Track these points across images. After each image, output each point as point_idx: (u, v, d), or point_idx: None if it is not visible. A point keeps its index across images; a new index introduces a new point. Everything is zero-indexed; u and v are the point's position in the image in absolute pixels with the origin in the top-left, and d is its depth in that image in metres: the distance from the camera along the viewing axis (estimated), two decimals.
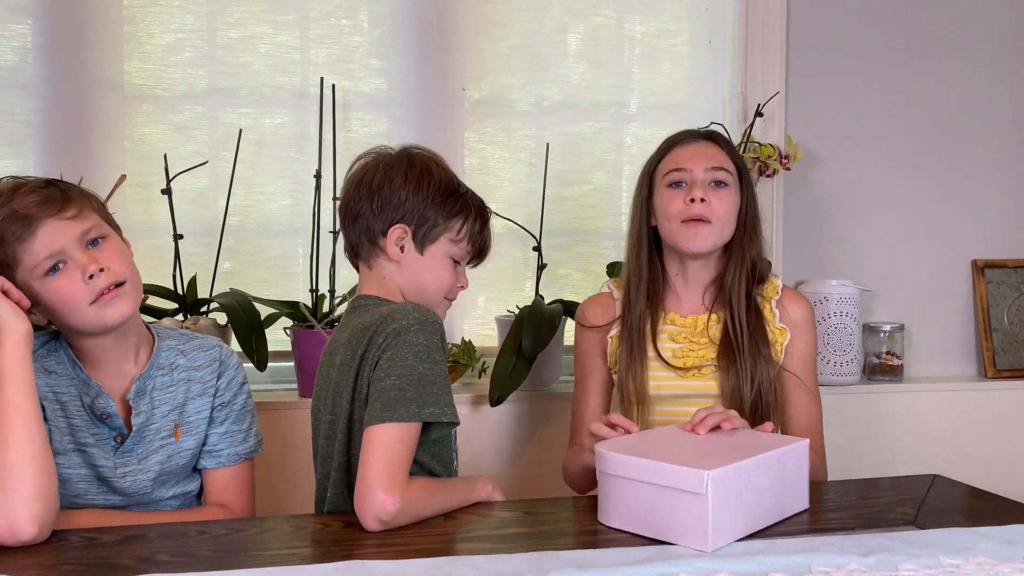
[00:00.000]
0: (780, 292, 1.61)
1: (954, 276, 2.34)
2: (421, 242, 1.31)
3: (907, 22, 2.29)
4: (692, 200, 1.51)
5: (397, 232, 1.30)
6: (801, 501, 1.23)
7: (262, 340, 1.85)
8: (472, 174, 2.15)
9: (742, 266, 1.57)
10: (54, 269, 1.20)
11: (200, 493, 1.38)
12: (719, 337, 1.56)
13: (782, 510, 1.19)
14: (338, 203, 1.40)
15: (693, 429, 1.29)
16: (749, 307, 1.57)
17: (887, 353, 2.22)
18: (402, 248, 1.31)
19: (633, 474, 1.13)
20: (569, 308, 2.00)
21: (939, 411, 2.22)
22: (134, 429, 1.28)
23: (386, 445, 1.16)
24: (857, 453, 2.12)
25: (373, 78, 2.10)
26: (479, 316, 2.19)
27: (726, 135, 1.72)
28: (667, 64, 2.26)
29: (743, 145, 2.08)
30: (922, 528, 1.16)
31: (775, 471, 1.18)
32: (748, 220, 1.58)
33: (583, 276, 2.23)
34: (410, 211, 1.30)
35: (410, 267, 1.32)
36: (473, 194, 1.37)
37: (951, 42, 2.31)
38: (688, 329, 1.58)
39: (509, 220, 2.07)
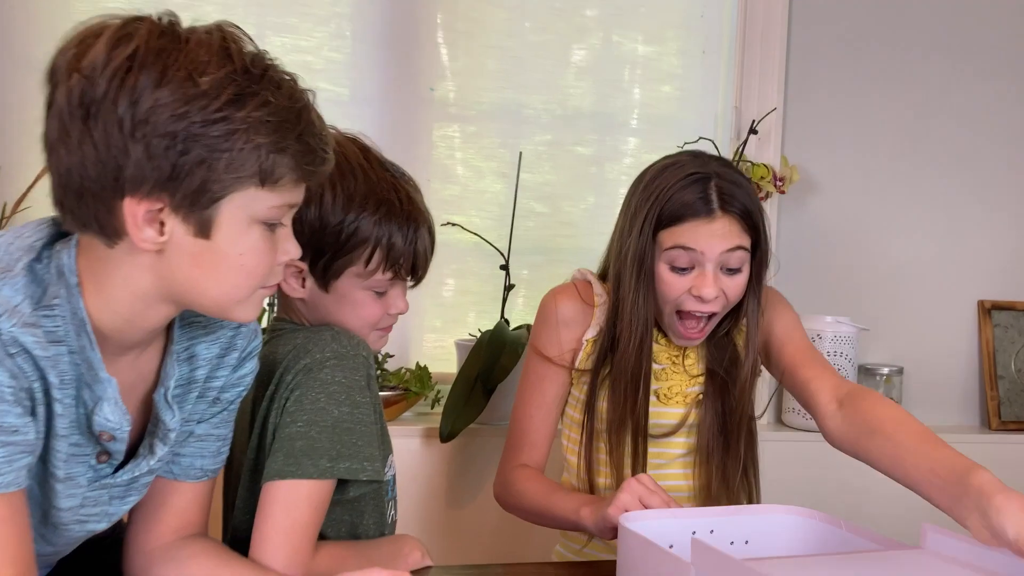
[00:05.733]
0: None
1: (958, 317, 2.16)
2: (322, 278, 1.05)
3: (922, 40, 2.11)
4: (700, 297, 1.24)
5: (288, 269, 1.04)
6: None
7: None
8: (437, 183, 1.96)
9: (737, 315, 1.33)
10: None
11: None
12: (700, 369, 1.35)
13: None
14: None
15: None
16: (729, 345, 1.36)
17: None
18: (303, 283, 1.06)
19: None
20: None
21: None
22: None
23: (288, 506, 0.95)
24: (842, 507, 1.93)
25: (333, 73, 1.91)
26: (438, 337, 1.99)
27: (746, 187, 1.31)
28: (656, 74, 2.08)
29: (735, 163, 1.90)
30: None
31: None
32: (754, 287, 1.30)
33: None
34: (303, 240, 0.97)
35: (317, 305, 1.08)
36: (397, 201, 1.05)
37: (966, 68, 2.13)
38: (672, 351, 1.36)
39: (475, 235, 1.88)
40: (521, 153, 1.92)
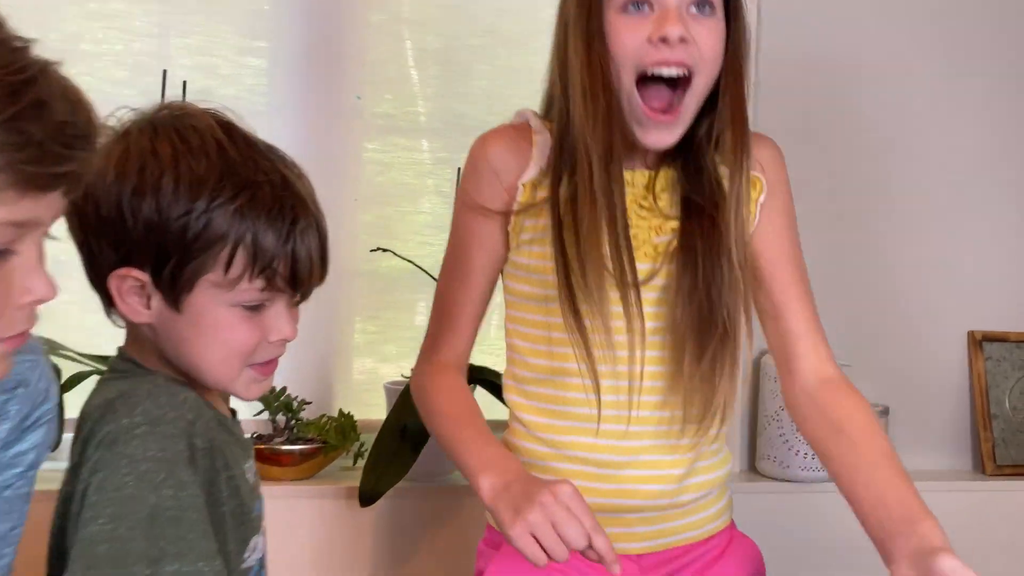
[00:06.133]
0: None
1: (947, 350, 1.96)
2: (170, 291, 0.80)
3: (908, 52, 1.92)
4: (664, 39, 0.98)
5: (118, 281, 0.80)
6: None
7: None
8: (366, 204, 1.74)
9: (715, 122, 1.06)
10: None
11: None
12: (674, 210, 1.08)
13: None
14: None
15: None
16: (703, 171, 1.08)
17: None
18: (147, 302, 0.82)
19: None
20: (477, 375, 1.58)
21: None
22: None
23: None
24: (823, 566, 1.72)
25: (247, 79, 1.68)
26: (367, 379, 1.76)
27: None
28: None
29: None
30: None
31: None
32: (732, 63, 1.06)
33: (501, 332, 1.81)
34: (139, 241, 0.78)
35: (169, 332, 0.82)
36: (268, 185, 0.80)
37: (956, 82, 1.95)
38: (636, 190, 1.08)
39: (409, 261, 1.66)
40: (459, 170, 1.70)
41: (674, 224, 1.09)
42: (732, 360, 1.08)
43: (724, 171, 1.10)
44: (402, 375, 1.66)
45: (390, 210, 1.76)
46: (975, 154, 1.96)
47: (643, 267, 1.07)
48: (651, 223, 1.09)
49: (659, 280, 1.08)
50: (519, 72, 1.82)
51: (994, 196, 1.97)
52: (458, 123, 1.80)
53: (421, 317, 1.77)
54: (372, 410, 1.70)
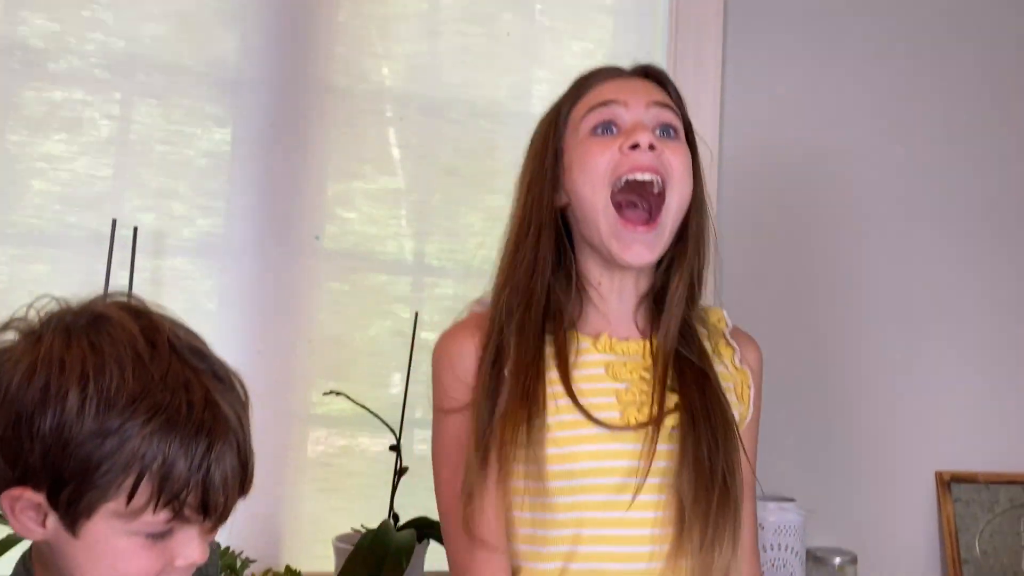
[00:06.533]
0: (730, 324, 1.14)
1: (915, 492, 1.92)
2: (67, 515, 0.74)
3: (865, 199, 1.94)
4: (635, 146, 1.00)
5: (10, 500, 0.74)
6: None
7: None
8: (321, 344, 1.70)
9: (689, 274, 1.08)
10: None
11: None
12: (674, 378, 1.05)
13: None
14: None
15: None
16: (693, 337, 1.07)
17: None
18: (43, 520, 0.75)
19: None
20: (428, 529, 1.52)
21: None
22: None
23: None
24: None
25: (201, 218, 1.65)
26: (317, 530, 1.68)
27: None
28: None
29: None
30: None
31: None
32: (698, 204, 1.08)
33: None
34: (36, 463, 0.72)
35: (65, 553, 0.76)
36: (185, 406, 0.74)
37: (918, 216, 1.96)
38: (635, 361, 1.06)
39: (362, 407, 1.60)
40: (417, 313, 1.66)
41: (675, 398, 1.04)
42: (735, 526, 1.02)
43: (702, 331, 1.10)
44: (352, 528, 1.59)
45: (346, 352, 1.72)
46: (938, 292, 1.95)
47: (626, 446, 1.02)
48: (651, 393, 1.04)
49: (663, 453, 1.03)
50: (479, 209, 1.81)
51: (959, 333, 1.96)
52: (417, 261, 1.77)
53: (373, 463, 1.70)
54: (323, 561, 1.63)
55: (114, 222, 1.47)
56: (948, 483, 1.93)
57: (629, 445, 1.01)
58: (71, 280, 1.54)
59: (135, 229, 1.51)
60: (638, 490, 0.99)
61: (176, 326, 0.79)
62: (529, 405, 1.00)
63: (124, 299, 0.80)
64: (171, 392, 0.73)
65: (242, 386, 0.80)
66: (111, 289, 1.48)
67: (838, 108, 1.92)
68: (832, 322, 1.91)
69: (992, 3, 2.02)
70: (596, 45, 1.85)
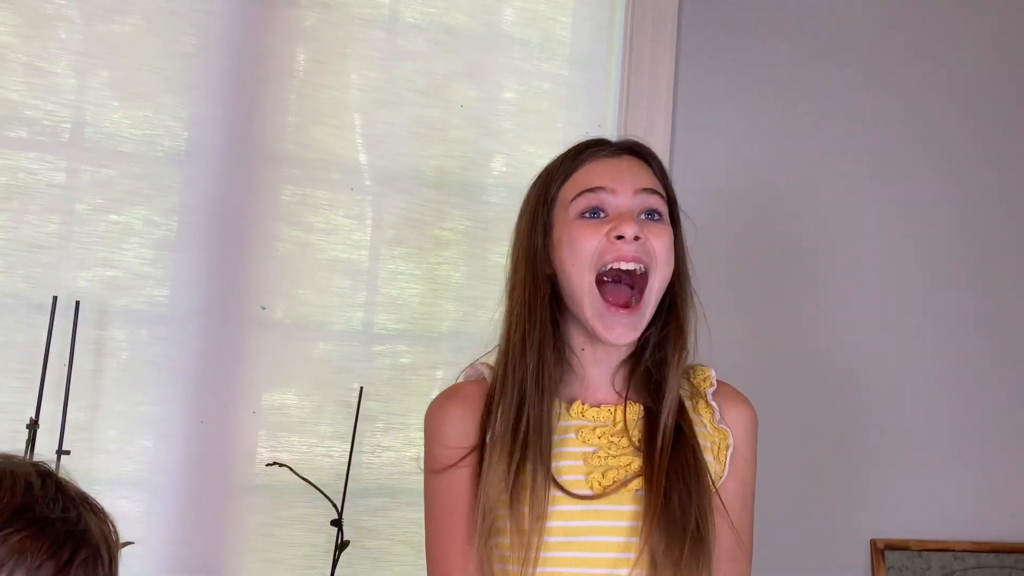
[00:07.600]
0: (715, 383, 1.18)
1: (849, 559, 1.96)
2: None
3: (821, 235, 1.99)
4: (620, 237, 1.07)
5: None
6: None
7: None
8: (267, 414, 1.69)
9: (670, 336, 1.13)
10: None
11: None
12: (642, 440, 1.09)
13: None
14: None
15: None
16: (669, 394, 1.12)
17: None
18: None
19: None
20: None
21: None
22: None
23: None
24: None
25: (146, 289, 1.64)
26: None
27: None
28: None
29: None
30: None
31: None
32: (681, 277, 1.15)
33: (405, 550, 1.75)
34: None
35: None
36: (54, 518, 0.77)
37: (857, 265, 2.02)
38: (605, 427, 1.10)
39: (305, 480, 1.60)
40: (362, 388, 1.67)
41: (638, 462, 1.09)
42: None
43: (684, 389, 1.16)
44: None
45: (290, 421, 1.71)
46: (882, 364, 2.00)
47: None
48: (620, 460, 1.09)
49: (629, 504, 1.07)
50: (432, 281, 1.83)
51: (897, 407, 2.01)
52: (365, 331, 1.78)
53: (315, 533, 1.69)
54: None
55: (55, 299, 1.45)
56: (882, 551, 1.98)
57: (599, 509, 1.06)
58: (9, 355, 1.52)
59: (76, 303, 1.50)
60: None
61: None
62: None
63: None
64: (49, 511, 0.78)
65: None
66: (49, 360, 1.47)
67: (792, 157, 1.97)
68: (774, 383, 1.94)
69: (954, 40, 2.07)
70: (547, 119, 1.88)
